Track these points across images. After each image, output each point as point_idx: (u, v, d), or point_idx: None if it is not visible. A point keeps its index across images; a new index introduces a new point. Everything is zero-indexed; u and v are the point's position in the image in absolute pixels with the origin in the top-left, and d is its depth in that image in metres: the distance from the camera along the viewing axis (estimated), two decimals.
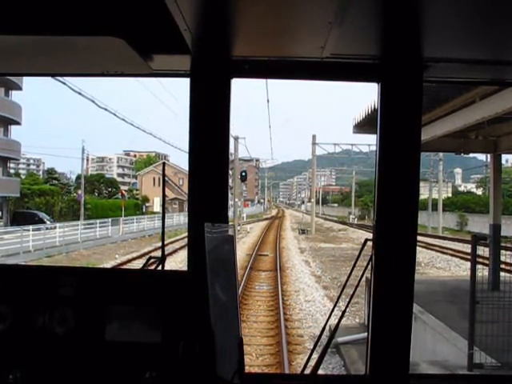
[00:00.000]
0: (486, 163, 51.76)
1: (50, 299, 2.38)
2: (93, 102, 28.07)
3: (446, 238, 39.28)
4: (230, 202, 39.41)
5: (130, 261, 24.31)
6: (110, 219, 41.22)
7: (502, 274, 12.05)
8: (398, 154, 2.64)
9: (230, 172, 37.41)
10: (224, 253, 2.31)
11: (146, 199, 69.95)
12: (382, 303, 2.66)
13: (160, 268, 2.65)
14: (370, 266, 2.70)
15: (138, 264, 22.17)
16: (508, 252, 11.41)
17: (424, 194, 57.13)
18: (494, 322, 7.67)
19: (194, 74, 2.65)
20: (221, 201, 2.65)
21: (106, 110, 30.06)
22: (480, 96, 10.42)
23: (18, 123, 48.49)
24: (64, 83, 23.06)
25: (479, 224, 42.10)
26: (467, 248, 20.22)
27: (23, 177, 74.97)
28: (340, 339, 10.65)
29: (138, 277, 2.54)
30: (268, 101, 38.44)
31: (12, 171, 66.15)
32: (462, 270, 22.03)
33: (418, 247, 2.93)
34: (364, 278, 2.80)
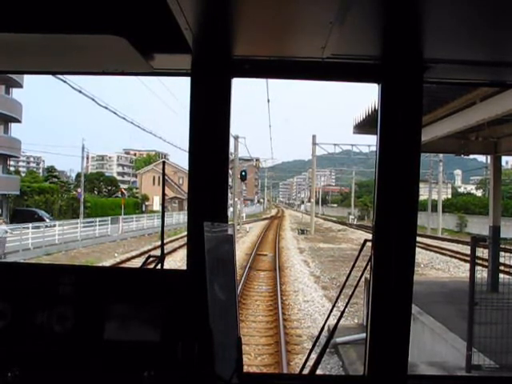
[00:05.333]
0: (486, 165, 51.81)
1: (49, 297, 2.38)
2: (93, 100, 28.09)
3: (445, 239, 39.27)
4: (230, 202, 39.43)
5: (129, 259, 24.30)
6: (109, 218, 41.18)
7: (501, 275, 12.07)
8: (398, 154, 2.64)
9: (230, 171, 37.42)
10: (223, 252, 2.31)
11: (145, 198, 69.89)
12: (381, 304, 2.66)
13: (159, 267, 2.65)
14: (369, 267, 2.70)
15: (137, 263, 22.15)
16: (507, 254, 11.41)
17: (424, 195, 57.11)
18: (492, 324, 7.67)
19: (195, 73, 2.65)
20: (220, 200, 2.65)
21: (106, 108, 30.03)
22: (480, 97, 10.43)
23: (18, 121, 48.46)
24: (65, 81, 23.07)
25: (479, 225, 42.06)
26: (466, 249, 20.22)
27: (23, 174, 74.96)
28: (339, 339, 10.66)
29: (137, 275, 2.54)
30: (268, 100, 38.56)
31: (12, 169, 66.18)
32: (461, 271, 22.03)
33: (417, 248, 2.93)
34: (363, 279, 2.80)
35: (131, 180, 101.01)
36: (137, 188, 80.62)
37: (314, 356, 2.77)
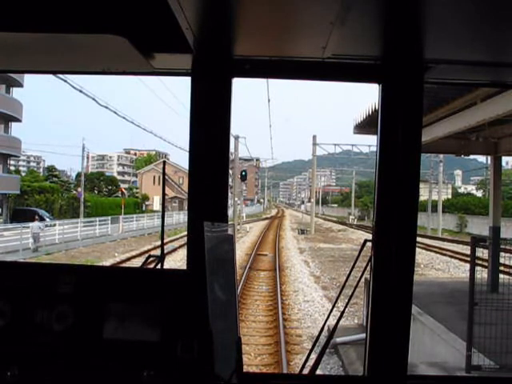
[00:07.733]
0: (486, 165, 51.80)
1: (49, 296, 2.38)
2: (94, 99, 28.10)
3: (445, 240, 39.26)
4: (230, 202, 39.46)
5: (129, 259, 24.32)
6: (109, 217, 41.20)
7: (501, 276, 12.06)
8: (399, 155, 2.64)
9: (230, 171, 37.43)
10: (223, 252, 2.31)
11: (145, 197, 69.93)
12: (381, 304, 2.66)
13: (159, 266, 2.65)
14: (369, 267, 2.70)
15: (137, 262, 22.15)
16: (507, 254, 11.40)
17: (424, 195, 57.10)
18: (492, 324, 7.67)
19: (195, 73, 2.65)
20: (221, 200, 2.65)
21: (106, 107, 30.02)
22: (481, 98, 10.42)
23: (18, 120, 48.46)
24: (65, 81, 23.09)
25: (479, 226, 42.09)
26: (466, 250, 20.21)
27: (23, 174, 75.02)
28: (338, 339, 10.66)
29: (137, 275, 2.54)
30: (269, 100, 38.77)
31: (12, 168, 66.17)
32: (461, 271, 22.02)
33: (417, 248, 2.93)
34: (363, 279, 2.80)
35: (131, 180, 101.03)
36: (137, 188, 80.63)
37: (313, 356, 2.77)
